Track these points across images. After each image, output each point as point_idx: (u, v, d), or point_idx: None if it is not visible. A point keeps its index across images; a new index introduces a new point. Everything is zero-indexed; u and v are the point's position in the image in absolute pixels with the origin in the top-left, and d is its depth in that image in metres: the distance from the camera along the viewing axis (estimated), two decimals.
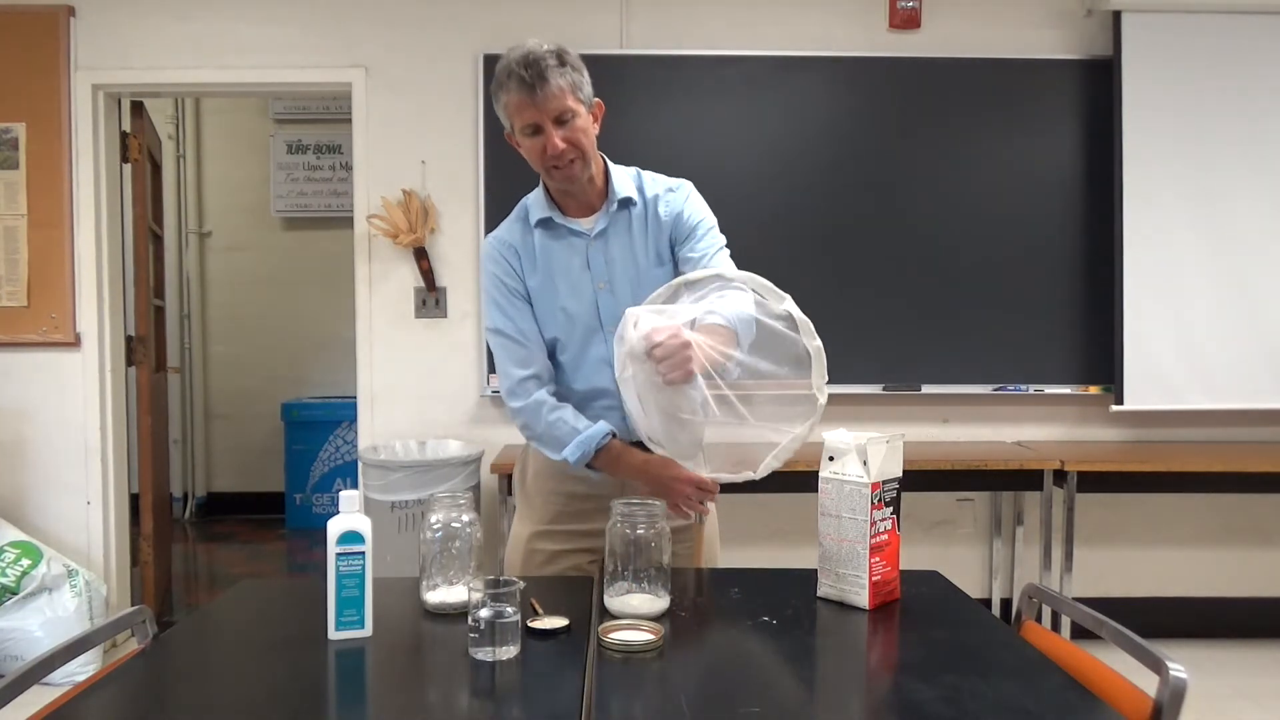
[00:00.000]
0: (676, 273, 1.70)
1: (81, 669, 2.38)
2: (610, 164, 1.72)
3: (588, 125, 1.62)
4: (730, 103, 3.36)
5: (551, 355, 1.73)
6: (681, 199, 1.72)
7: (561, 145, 1.57)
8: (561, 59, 1.57)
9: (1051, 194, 3.40)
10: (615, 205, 1.69)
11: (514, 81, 1.55)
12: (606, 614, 1.38)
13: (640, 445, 1.62)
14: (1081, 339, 3.42)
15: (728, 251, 1.73)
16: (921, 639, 1.32)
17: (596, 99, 1.65)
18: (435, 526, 1.41)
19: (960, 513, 3.56)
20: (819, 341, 1.50)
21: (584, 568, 1.76)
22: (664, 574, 1.41)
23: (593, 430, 1.64)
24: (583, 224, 1.70)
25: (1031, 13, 3.43)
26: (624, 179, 1.72)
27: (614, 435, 1.65)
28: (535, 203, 1.72)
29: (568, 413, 1.66)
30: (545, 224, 1.70)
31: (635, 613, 1.35)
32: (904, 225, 3.39)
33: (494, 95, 1.61)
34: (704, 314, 1.52)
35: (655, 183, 1.74)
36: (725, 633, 1.33)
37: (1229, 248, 3.34)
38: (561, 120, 1.57)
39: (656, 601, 1.39)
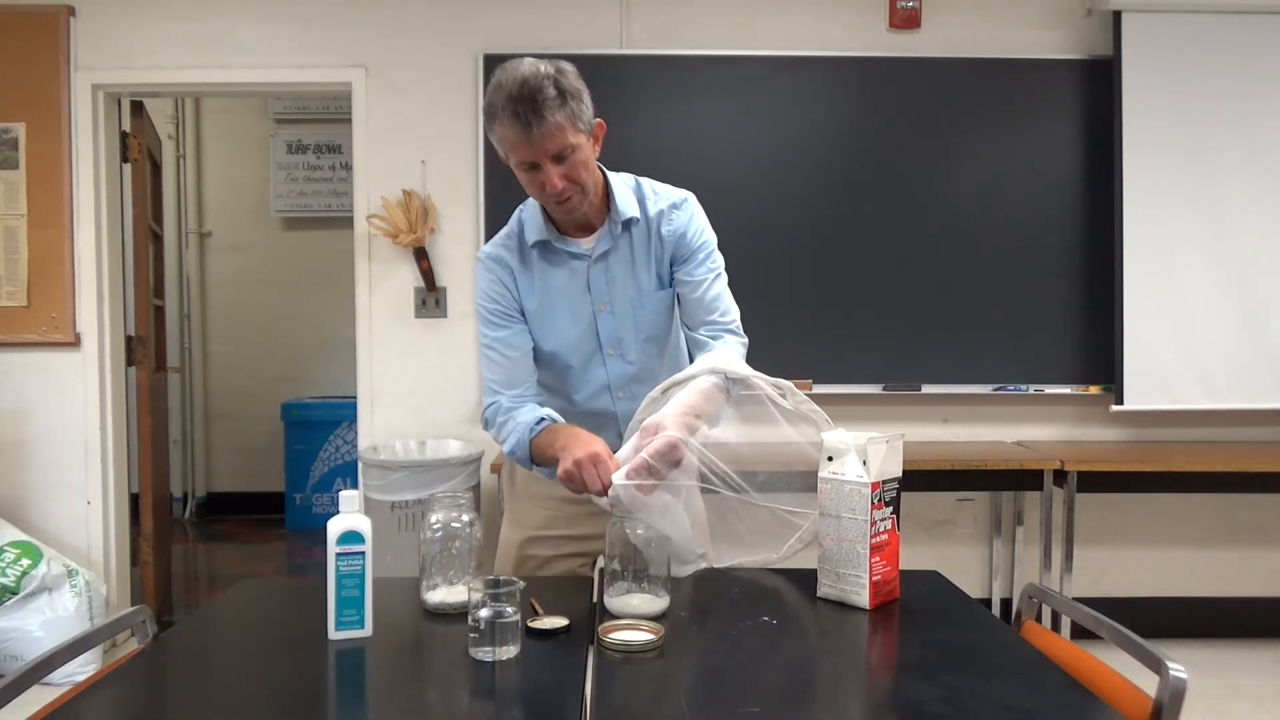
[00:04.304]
0: (674, 293, 1.69)
1: (81, 669, 2.38)
2: (609, 176, 1.63)
3: (588, 157, 1.51)
4: (730, 103, 3.36)
5: (551, 372, 1.71)
6: (685, 218, 1.65)
7: (560, 184, 1.48)
8: (560, 87, 1.43)
9: (1051, 194, 3.40)
10: (619, 228, 1.63)
11: (508, 115, 1.43)
12: (606, 614, 1.38)
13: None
14: (1081, 339, 3.42)
15: (725, 278, 1.70)
16: (921, 639, 1.32)
17: (597, 119, 1.54)
18: (435, 526, 1.41)
19: (960, 513, 3.55)
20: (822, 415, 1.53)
21: (576, 571, 1.75)
22: (664, 574, 1.41)
23: (525, 420, 1.59)
24: (582, 245, 1.64)
25: (1031, 13, 3.43)
26: (625, 195, 1.63)
27: (548, 421, 1.58)
28: (531, 221, 1.64)
29: (521, 412, 1.61)
30: (542, 246, 1.64)
31: (635, 613, 1.35)
32: (904, 225, 3.39)
33: (486, 121, 1.50)
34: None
35: (657, 197, 1.66)
36: (725, 633, 1.33)
37: (1229, 247, 3.34)
38: (561, 157, 1.47)
39: (656, 601, 1.39)
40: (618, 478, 1.40)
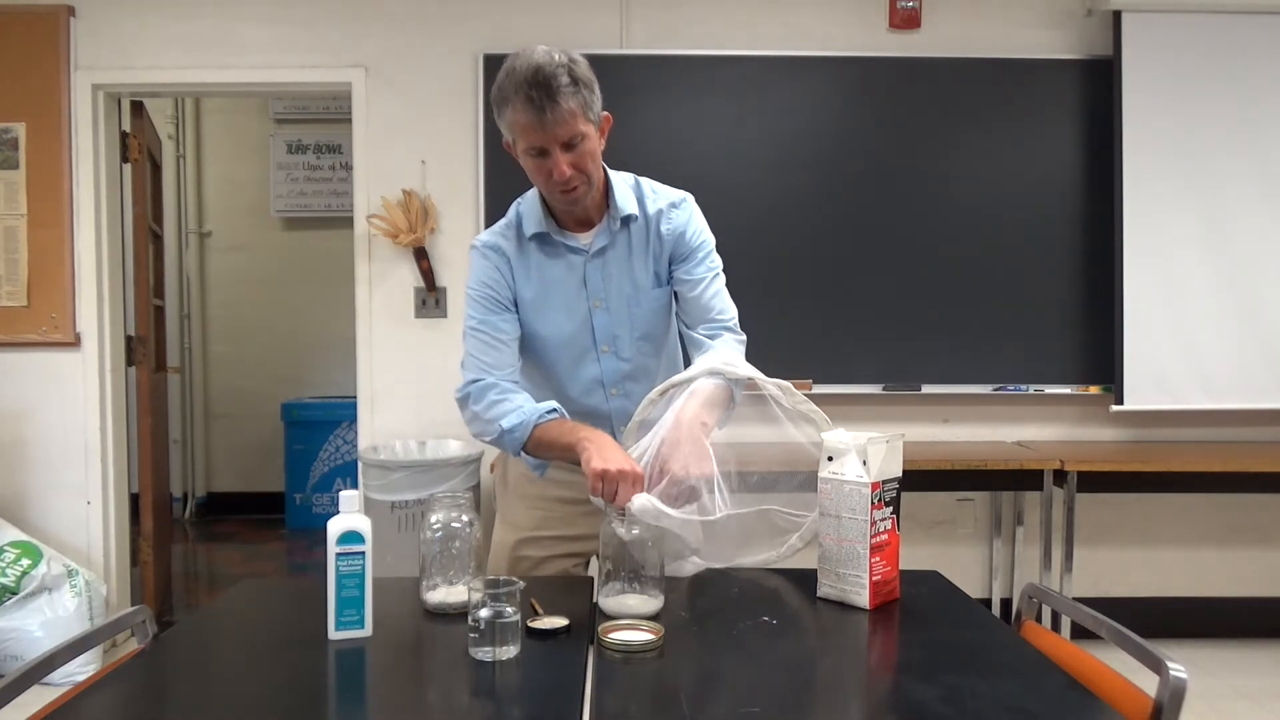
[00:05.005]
0: (671, 292, 1.69)
1: (81, 669, 2.37)
2: (609, 173, 1.64)
3: (595, 147, 1.52)
4: (730, 103, 3.36)
5: (543, 368, 1.70)
6: (684, 217, 1.66)
7: (569, 172, 1.49)
8: (573, 75, 1.45)
9: (1051, 194, 3.40)
10: (618, 224, 1.63)
11: (521, 99, 1.43)
12: (604, 614, 1.38)
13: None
14: (1081, 339, 3.42)
15: (723, 278, 1.70)
16: (921, 639, 1.32)
17: (605, 113, 1.55)
18: (435, 526, 1.41)
19: (960, 513, 3.55)
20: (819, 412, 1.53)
21: (570, 571, 1.75)
22: (658, 574, 1.41)
23: (532, 406, 1.55)
24: (580, 239, 1.64)
25: (1031, 13, 3.43)
26: (625, 192, 1.64)
27: (559, 414, 1.56)
28: (529, 213, 1.64)
29: (523, 397, 1.58)
30: (540, 238, 1.63)
31: (631, 613, 1.35)
32: (904, 225, 3.39)
33: (496, 106, 1.50)
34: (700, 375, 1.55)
35: (657, 196, 1.67)
36: (725, 633, 1.32)
37: (1229, 247, 3.34)
38: (570, 145, 1.47)
39: (650, 601, 1.39)
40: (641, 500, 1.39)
